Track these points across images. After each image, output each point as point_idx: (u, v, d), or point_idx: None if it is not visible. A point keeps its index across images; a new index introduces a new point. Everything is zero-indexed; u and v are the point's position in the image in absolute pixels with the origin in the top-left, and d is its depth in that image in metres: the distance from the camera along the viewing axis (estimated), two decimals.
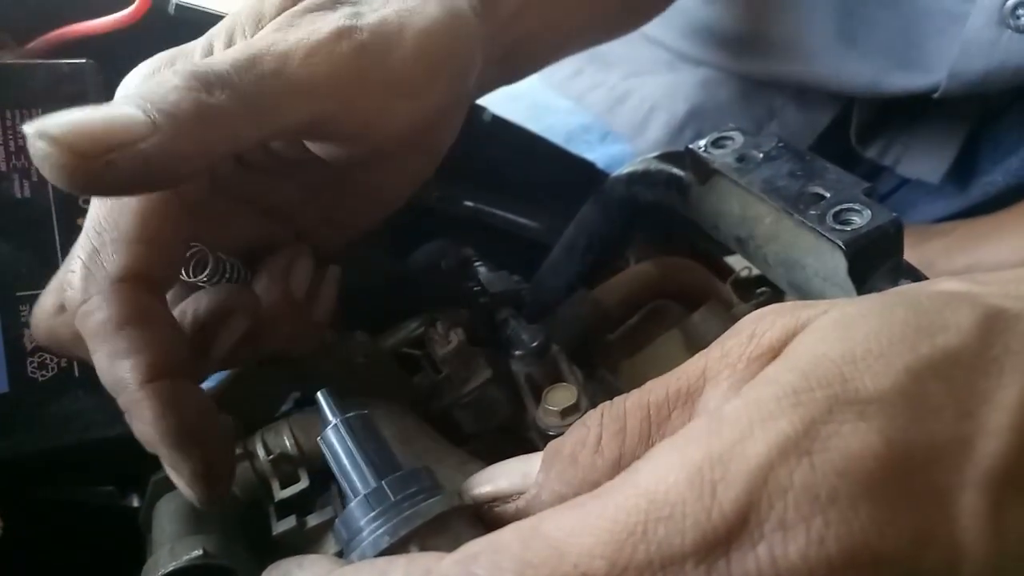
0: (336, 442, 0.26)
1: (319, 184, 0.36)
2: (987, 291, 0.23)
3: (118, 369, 0.28)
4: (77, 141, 0.24)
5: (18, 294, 0.35)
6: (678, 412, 0.23)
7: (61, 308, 0.31)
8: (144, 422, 0.28)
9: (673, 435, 0.21)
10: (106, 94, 0.39)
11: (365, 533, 0.23)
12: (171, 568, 0.31)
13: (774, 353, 0.22)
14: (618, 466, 0.22)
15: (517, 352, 0.37)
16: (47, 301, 0.32)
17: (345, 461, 0.25)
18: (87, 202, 0.37)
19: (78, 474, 0.36)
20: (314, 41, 0.29)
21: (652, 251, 0.57)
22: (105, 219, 0.29)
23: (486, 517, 0.25)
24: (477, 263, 0.45)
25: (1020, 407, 0.20)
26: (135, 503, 0.39)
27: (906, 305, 0.22)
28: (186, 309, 0.33)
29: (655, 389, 0.23)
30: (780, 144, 0.38)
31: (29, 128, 0.24)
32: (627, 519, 0.19)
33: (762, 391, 0.20)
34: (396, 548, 0.23)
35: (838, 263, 0.33)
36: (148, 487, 0.36)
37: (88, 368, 0.35)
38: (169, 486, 0.36)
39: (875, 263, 0.32)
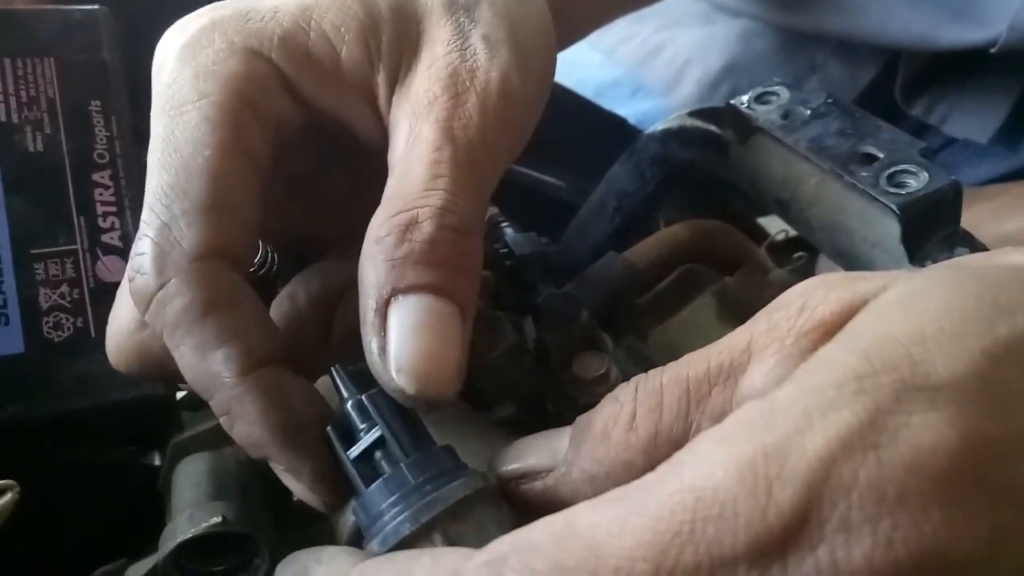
0: (352, 422, 0.24)
1: (371, 178, 0.32)
2: None
3: (210, 363, 0.24)
4: None
5: (32, 252, 0.34)
6: (719, 389, 0.21)
7: None
8: (249, 421, 0.24)
9: (719, 424, 0.19)
10: (119, 41, 0.37)
11: (386, 518, 0.22)
12: (190, 535, 0.30)
13: (826, 328, 0.20)
14: (653, 444, 0.21)
15: (545, 318, 0.36)
16: (123, 312, 0.28)
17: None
18: (102, 156, 0.36)
19: (96, 437, 0.36)
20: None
21: (682, 213, 0.55)
22: (171, 187, 0.25)
23: (512, 496, 0.24)
24: (503, 223, 0.43)
25: None
26: (156, 461, 0.39)
27: (978, 280, 0.20)
28: (296, 291, 0.30)
29: (694, 363, 0.22)
30: (829, 100, 0.35)
31: None
32: (672, 517, 0.17)
33: (820, 376, 0.18)
34: (418, 535, 0.22)
35: (890, 228, 0.31)
36: (167, 450, 0.36)
37: (105, 328, 0.34)
38: (187, 449, 0.35)
39: (931, 229, 0.30)
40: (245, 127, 0.26)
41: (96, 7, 0.37)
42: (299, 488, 0.25)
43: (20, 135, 0.35)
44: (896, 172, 0.31)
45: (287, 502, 0.34)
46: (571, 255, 0.47)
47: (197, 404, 0.41)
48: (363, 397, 0.25)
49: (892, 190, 0.30)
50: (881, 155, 0.32)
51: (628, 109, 0.66)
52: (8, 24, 0.36)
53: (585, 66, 0.71)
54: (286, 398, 0.25)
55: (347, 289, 0.30)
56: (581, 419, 0.23)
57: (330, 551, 0.23)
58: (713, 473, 0.18)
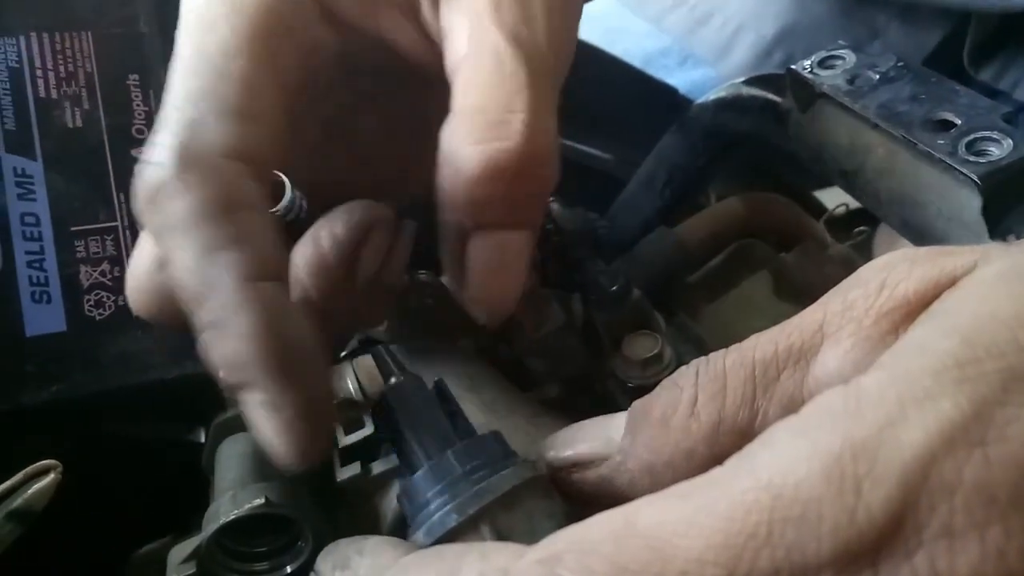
0: (396, 405, 0.24)
1: (404, 121, 0.32)
2: None
3: (212, 263, 0.22)
4: None
5: (72, 229, 0.34)
6: (788, 373, 0.20)
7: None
8: (237, 335, 0.22)
9: (796, 413, 0.17)
10: (156, 14, 0.36)
11: (432, 508, 0.21)
12: (232, 517, 0.30)
13: (910, 308, 0.19)
14: (716, 433, 0.20)
15: (594, 296, 0.34)
16: (145, 253, 0.27)
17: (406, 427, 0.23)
18: (140, 132, 0.35)
19: (138, 415, 0.35)
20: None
21: (734, 186, 0.53)
22: (201, 89, 0.24)
23: (563, 485, 0.23)
24: (549, 198, 0.42)
25: None
26: (201, 438, 0.39)
27: None
28: (320, 233, 0.29)
29: (761, 345, 0.20)
30: (899, 64, 0.33)
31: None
32: (746, 518, 0.16)
33: (914, 361, 0.17)
34: (465, 527, 0.21)
35: (968, 201, 0.29)
36: (210, 429, 0.35)
37: None
38: (231, 429, 0.35)
39: (1015, 201, 0.28)
40: (278, 49, 0.25)
41: None
42: (272, 428, 0.23)
43: (59, 111, 0.34)
44: (976, 139, 0.29)
45: (330, 484, 0.33)
46: (619, 231, 0.46)
47: None
48: (386, 392, 0.24)
49: (972, 159, 0.28)
50: (959, 121, 0.30)
51: (677, 79, 0.63)
52: None
53: (631, 35, 0.69)
54: (285, 317, 0.23)
55: (372, 231, 0.29)
56: (637, 404, 0.22)
57: (372, 541, 0.22)
58: (793, 469, 0.16)
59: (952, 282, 0.19)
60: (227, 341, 0.22)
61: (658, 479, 0.20)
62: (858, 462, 0.15)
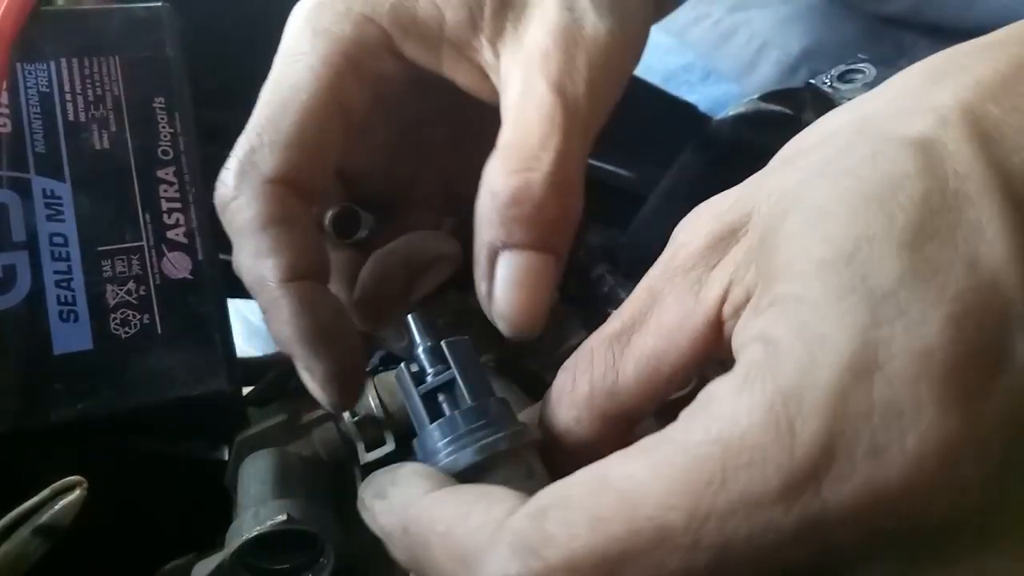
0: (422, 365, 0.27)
1: (469, 131, 0.35)
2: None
3: (260, 267, 0.29)
4: None
5: (99, 249, 0.34)
6: (638, 335, 0.24)
7: None
8: (281, 321, 0.29)
9: (731, 372, 0.20)
10: (182, 37, 0.37)
11: (460, 445, 0.25)
12: (255, 533, 0.30)
13: (707, 262, 0.22)
14: (591, 399, 0.24)
15: (614, 312, 0.34)
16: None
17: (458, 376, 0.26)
18: (166, 153, 0.36)
19: (163, 432, 0.36)
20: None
21: None
22: (267, 120, 0.30)
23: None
24: (574, 232, 0.42)
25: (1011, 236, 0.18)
26: (225, 456, 0.39)
27: (855, 176, 0.20)
28: (397, 250, 0.35)
29: (609, 322, 0.25)
30: None
31: None
32: (702, 467, 0.18)
33: (800, 312, 0.19)
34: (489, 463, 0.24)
35: None
36: (233, 446, 0.35)
37: (171, 325, 0.34)
38: (254, 446, 0.35)
39: None
40: (344, 83, 0.30)
41: (159, 4, 0.37)
42: (312, 386, 0.29)
43: (87, 134, 0.35)
44: None
45: (352, 499, 0.33)
46: (639, 247, 0.45)
47: (263, 400, 0.41)
48: (442, 343, 0.27)
49: None
50: None
51: (700, 95, 0.63)
52: (74, 24, 0.36)
53: (653, 50, 0.68)
54: (315, 307, 0.29)
55: (435, 262, 0.35)
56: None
57: (405, 471, 0.25)
58: (737, 421, 0.18)
59: (733, 234, 0.22)
60: (274, 324, 0.29)
61: (561, 448, 0.25)
62: (788, 406, 0.18)
